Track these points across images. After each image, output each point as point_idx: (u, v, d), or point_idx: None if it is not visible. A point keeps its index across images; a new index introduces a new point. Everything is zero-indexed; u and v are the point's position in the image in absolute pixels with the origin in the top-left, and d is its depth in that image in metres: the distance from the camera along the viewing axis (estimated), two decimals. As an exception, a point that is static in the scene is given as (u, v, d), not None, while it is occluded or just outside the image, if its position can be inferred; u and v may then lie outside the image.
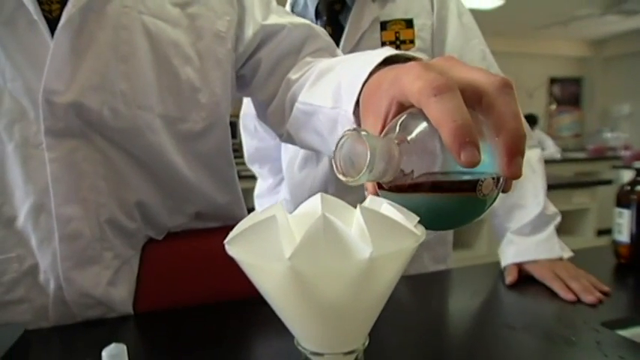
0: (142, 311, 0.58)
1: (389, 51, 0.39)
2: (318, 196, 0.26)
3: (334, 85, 0.45)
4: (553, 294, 0.63)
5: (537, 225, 0.72)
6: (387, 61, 0.38)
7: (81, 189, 0.52)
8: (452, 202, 0.27)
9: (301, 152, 0.84)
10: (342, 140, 0.26)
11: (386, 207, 0.25)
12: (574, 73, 6.20)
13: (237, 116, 0.98)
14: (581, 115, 6.24)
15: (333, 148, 0.27)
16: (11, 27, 0.47)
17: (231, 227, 0.25)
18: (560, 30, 5.10)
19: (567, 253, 0.71)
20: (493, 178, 0.27)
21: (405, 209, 0.25)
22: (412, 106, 0.28)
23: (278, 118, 0.61)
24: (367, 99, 0.35)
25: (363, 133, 0.25)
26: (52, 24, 0.48)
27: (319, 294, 0.20)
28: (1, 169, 0.50)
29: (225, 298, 0.59)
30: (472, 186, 0.26)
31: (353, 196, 0.84)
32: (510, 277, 0.68)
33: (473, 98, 0.27)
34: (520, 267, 0.69)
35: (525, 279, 0.68)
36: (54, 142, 0.50)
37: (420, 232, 0.24)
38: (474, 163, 0.24)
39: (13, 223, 0.52)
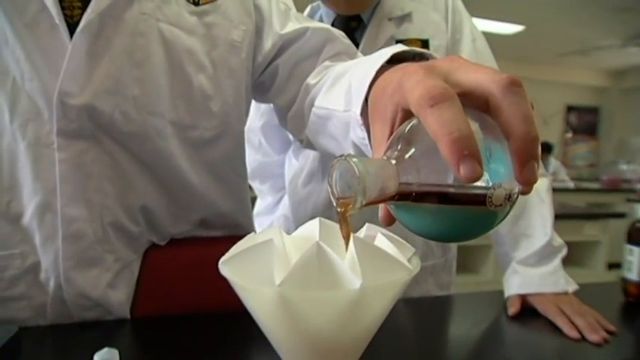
0: (140, 316, 0.58)
1: (396, 48, 0.38)
2: (316, 220, 0.25)
3: (346, 87, 0.44)
4: (556, 329, 0.61)
5: (543, 256, 0.71)
6: (400, 59, 0.37)
7: (87, 190, 0.52)
8: (460, 215, 0.26)
9: (306, 168, 0.84)
10: (334, 168, 0.25)
11: (380, 238, 0.25)
12: (592, 102, 6.15)
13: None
14: (597, 145, 6.17)
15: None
16: (33, 29, 0.48)
17: (235, 237, 0.25)
18: (581, 59, 5.08)
19: (572, 287, 0.69)
20: (505, 188, 0.25)
21: (401, 241, 0.25)
22: None
23: (298, 124, 0.60)
24: (374, 103, 0.34)
25: (354, 160, 0.24)
26: (72, 28, 0.49)
27: (308, 322, 0.20)
28: (12, 166, 0.51)
29: (224, 309, 0.59)
30: (482, 198, 0.25)
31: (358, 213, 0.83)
32: (513, 309, 0.66)
33: (480, 101, 0.26)
34: (524, 298, 0.68)
35: (528, 311, 0.67)
36: (65, 142, 0.50)
37: (414, 265, 0.23)
38: (475, 178, 0.22)
39: (19, 220, 0.52)
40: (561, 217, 2.60)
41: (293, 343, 0.22)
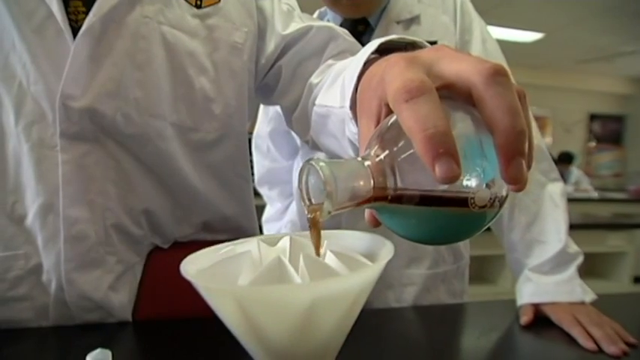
0: (142, 319, 0.58)
1: (385, 38, 0.37)
2: (287, 237, 0.25)
3: (341, 83, 0.43)
4: (571, 340, 0.58)
5: (558, 263, 0.68)
6: (393, 49, 0.35)
7: (89, 192, 0.52)
8: (442, 217, 0.24)
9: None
10: (302, 173, 0.24)
11: (329, 255, 0.24)
12: (616, 110, 5.99)
13: (251, 134, 0.98)
14: (623, 154, 6.00)
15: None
16: (40, 34, 0.49)
17: None
18: (603, 65, 4.97)
19: (590, 297, 0.66)
20: (489, 189, 0.23)
21: (356, 258, 0.24)
22: None
23: (303, 124, 0.60)
24: (360, 97, 0.33)
25: (320, 164, 0.23)
26: (77, 32, 0.49)
27: (264, 325, 0.20)
28: (16, 168, 0.52)
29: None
30: (463, 200, 0.23)
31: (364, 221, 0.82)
32: (526, 318, 0.64)
33: (463, 93, 0.24)
34: (537, 307, 0.65)
35: (542, 320, 0.64)
36: (67, 144, 0.51)
37: (362, 280, 0.22)
38: (452, 178, 0.20)
39: (23, 221, 0.53)
40: (583, 226, 2.51)
41: (254, 347, 0.22)
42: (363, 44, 0.77)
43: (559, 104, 5.28)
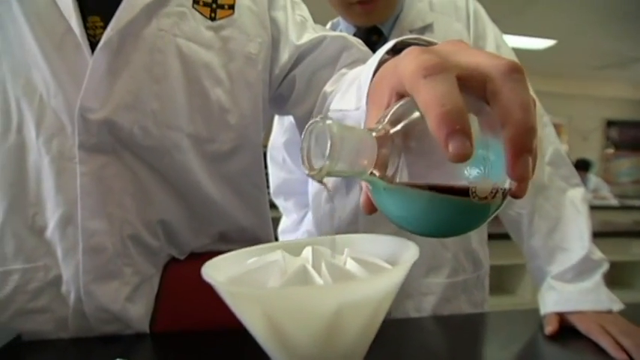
0: (159, 331, 0.57)
1: (400, 38, 0.37)
2: (309, 247, 0.25)
3: (356, 86, 0.43)
4: (600, 350, 0.56)
5: (582, 271, 0.66)
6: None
7: (108, 204, 0.53)
8: (439, 204, 0.23)
9: (329, 183, 0.83)
10: (308, 129, 0.24)
11: (351, 263, 0.24)
12: (633, 116, 5.88)
13: (265, 146, 0.98)
14: (643, 161, 5.87)
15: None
16: (60, 49, 0.51)
17: None
18: (619, 72, 4.90)
19: (618, 305, 0.64)
20: (492, 181, 0.23)
21: (382, 264, 0.24)
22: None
23: None
24: (372, 91, 0.32)
25: (328, 121, 0.22)
26: (95, 46, 0.50)
27: (292, 337, 0.20)
28: (37, 181, 0.53)
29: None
30: (464, 189, 0.22)
31: (384, 228, 0.81)
32: (550, 327, 0.62)
33: (478, 87, 0.24)
34: (562, 317, 0.63)
35: (567, 330, 0.62)
36: (86, 156, 0.51)
37: (387, 283, 0.22)
38: (464, 156, 0.20)
39: (43, 233, 0.53)
40: (605, 235, 2.45)
41: (279, 354, 0.21)
42: (377, 53, 0.78)
43: (575, 111, 5.21)
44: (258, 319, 0.21)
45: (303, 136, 0.24)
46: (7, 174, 0.53)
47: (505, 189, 0.23)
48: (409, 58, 0.24)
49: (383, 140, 0.23)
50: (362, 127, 0.41)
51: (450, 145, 0.20)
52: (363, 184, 0.28)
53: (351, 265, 0.25)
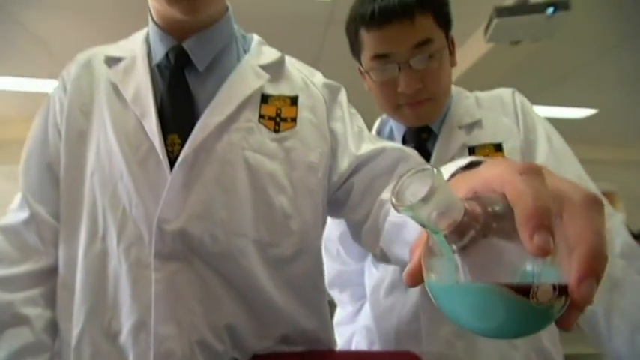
0: None
1: (474, 158, 0.39)
2: None
3: None
4: None
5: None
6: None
7: (178, 310, 0.55)
8: (498, 299, 0.24)
9: (387, 278, 0.81)
10: (411, 173, 0.25)
11: None
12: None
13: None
14: None
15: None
16: (143, 165, 0.56)
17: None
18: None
19: None
20: (555, 288, 0.23)
21: None
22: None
23: (373, 238, 0.61)
24: None
25: (435, 170, 0.24)
26: (172, 161, 0.56)
27: None
28: (115, 286, 0.56)
29: None
30: (526, 288, 0.23)
31: (446, 327, 0.77)
32: None
33: (557, 208, 0.25)
34: None
35: None
36: (160, 264, 0.54)
37: None
38: (546, 251, 0.21)
39: (117, 338, 0.55)
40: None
41: None
42: (428, 151, 0.80)
43: (626, 178, 4.97)
44: None
45: (404, 174, 0.26)
46: (91, 279, 0.56)
47: (562, 303, 0.24)
48: (494, 164, 0.26)
49: (469, 210, 0.25)
50: None
51: (536, 237, 0.21)
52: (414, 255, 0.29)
53: None
